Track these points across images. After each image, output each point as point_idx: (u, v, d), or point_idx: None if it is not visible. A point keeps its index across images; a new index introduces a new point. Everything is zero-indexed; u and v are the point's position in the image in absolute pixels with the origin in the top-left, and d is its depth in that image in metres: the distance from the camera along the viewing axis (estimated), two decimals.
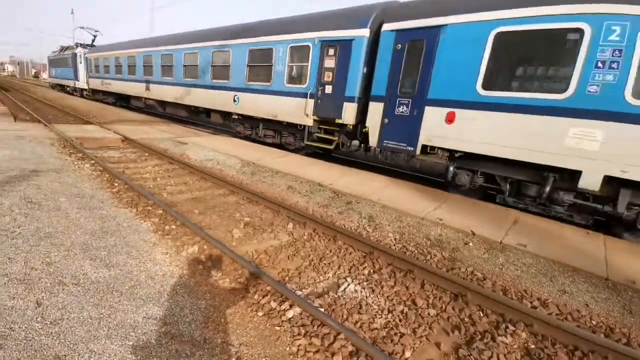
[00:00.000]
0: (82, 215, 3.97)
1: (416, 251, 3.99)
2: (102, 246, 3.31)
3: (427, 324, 2.72)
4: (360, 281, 3.25)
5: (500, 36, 5.10)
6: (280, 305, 2.68)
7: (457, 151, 5.82)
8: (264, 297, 2.78)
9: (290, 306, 2.67)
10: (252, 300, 2.78)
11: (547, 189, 5.00)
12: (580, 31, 4.46)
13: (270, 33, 8.70)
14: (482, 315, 2.91)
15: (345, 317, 2.71)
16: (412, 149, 6.21)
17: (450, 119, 5.68)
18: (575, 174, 4.66)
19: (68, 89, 26.65)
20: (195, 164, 7.16)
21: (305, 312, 2.61)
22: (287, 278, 3.21)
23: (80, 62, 22.76)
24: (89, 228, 3.65)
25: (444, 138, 5.81)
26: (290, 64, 8.24)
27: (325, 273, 3.35)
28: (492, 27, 5.14)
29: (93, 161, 6.45)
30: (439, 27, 5.66)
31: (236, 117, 10.35)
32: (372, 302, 2.94)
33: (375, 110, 6.66)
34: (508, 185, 5.52)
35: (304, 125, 8.20)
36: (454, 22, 5.51)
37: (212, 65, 10.67)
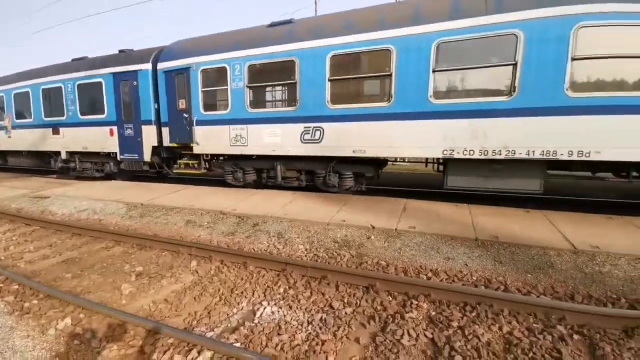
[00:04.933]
0: None
1: (327, 256, 4.10)
2: None
3: (346, 323, 2.79)
4: (277, 301, 3.14)
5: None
6: (187, 356, 2.35)
7: None
8: (164, 353, 2.40)
9: (199, 353, 2.37)
10: None
11: None
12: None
13: None
14: (391, 299, 3.15)
15: (264, 343, 2.55)
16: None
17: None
18: None
19: None
20: (62, 219, 5.91)
21: (218, 353, 2.36)
22: (194, 322, 2.86)
23: None
24: None
25: None
26: None
27: (238, 304, 3.13)
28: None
29: None
30: None
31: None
32: (291, 319, 2.86)
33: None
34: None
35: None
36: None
37: None
